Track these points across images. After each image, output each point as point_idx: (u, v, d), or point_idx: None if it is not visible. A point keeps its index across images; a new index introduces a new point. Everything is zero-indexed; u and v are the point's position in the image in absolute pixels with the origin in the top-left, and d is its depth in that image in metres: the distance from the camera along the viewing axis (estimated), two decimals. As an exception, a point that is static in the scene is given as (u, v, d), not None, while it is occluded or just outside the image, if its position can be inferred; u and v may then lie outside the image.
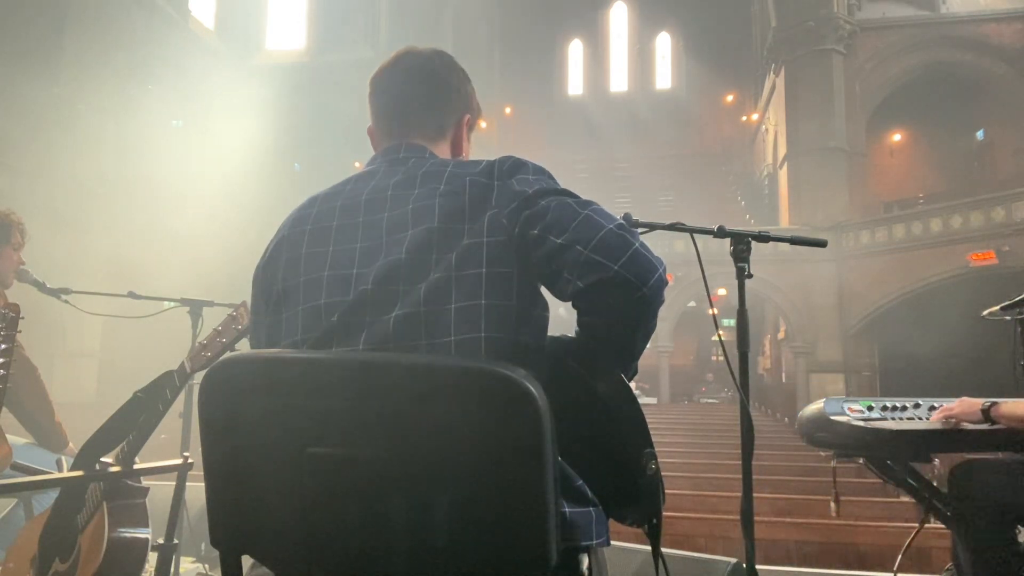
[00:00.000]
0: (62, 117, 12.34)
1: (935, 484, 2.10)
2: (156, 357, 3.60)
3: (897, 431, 1.94)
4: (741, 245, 1.88)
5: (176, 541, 2.15)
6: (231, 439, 0.94)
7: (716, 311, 2.89)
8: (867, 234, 17.49)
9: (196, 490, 1.77)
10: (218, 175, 15.76)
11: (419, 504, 0.83)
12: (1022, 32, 18.43)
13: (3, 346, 1.68)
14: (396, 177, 1.12)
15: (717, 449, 10.76)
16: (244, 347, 1.48)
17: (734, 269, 1.89)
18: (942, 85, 19.20)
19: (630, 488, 1.01)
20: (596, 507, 0.96)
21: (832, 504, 2.36)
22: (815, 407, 2.11)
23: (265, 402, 0.92)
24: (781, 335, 20.08)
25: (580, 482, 0.97)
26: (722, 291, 17.05)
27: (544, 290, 1.05)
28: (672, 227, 1.94)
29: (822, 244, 2.06)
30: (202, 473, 0.98)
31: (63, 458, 2.43)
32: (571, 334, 1.10)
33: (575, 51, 33.74)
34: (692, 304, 19.81)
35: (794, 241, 2.07)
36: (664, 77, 32.96)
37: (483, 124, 1.37)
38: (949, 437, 1.93)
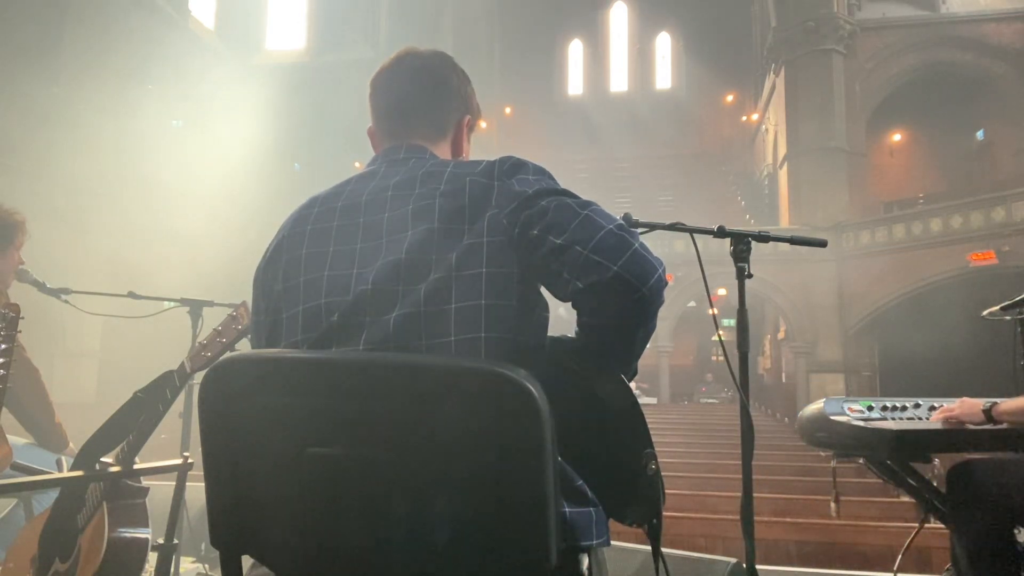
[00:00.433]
0: (62, 117, 12.33)
1: (935, 484, 2.10)
2: (156, 357, 3.60)
3: (897, 431, 1.94)
4: (741, 245, 1.88)
5: (176, 541, 2.15)
6: (231, 439, 0.94)
7: (716, 311, 2.89)
8: (867, 234, 17.50)
9: (196, 490, 1.77)
10: (218, 175, 15.75)
11: (419, 504, 0.83)
12: (1022, 32, 18.44)
13: (3, 346, 1.68)
14: (396, 177, 1.12)
15: (717, 449, 10.76)
16: (244, 347, 1.48)
17: (734, 269, 1.89)
18: (942, 85, 19.21)
19: (630, 488, 1.01)
20: (596, 507, 0.96)
21: (832, 504, 2.36)
22: (815, 407, 2.11)
23: (265, 402, 0.92)
24: (781, 335, 20.08)
25: (580, 482, 0.97)
26: (722, 291, 17.04)
27: (544, 290, 1.06)
28: (672, 227, 1.94)
29: (822, 244, 2.06)
30: (202, 473, 0.98)
31: (63, 458, 2.43)
32: (571, 334, 1.10)
33: (575, 51, 33.74)
34: (692, 304, 19.81)
35: (794, 241, 2.07)
36: (664, 77, 32.96)
37: (483, 124, 1.37)
38: (949, 437, 1.93)
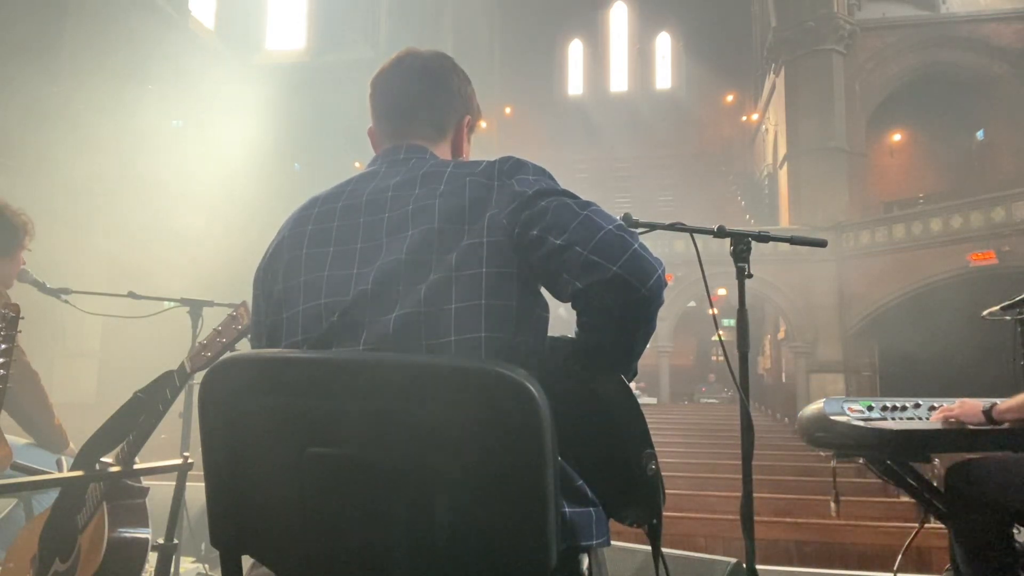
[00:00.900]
0: (62, 117, 12.33)
1: (935, 484, 2.10)
2: (156, 357, 3.59)
3: (897, 431, 1.94)
4: (741, 245, 1.88)
5: (176, 541, 2.15)
6: (231, 439, 0.95)
7: (716, 311, 2.89)
8: (867, 234, 17.49)
9: (196, 490, 1.76)
10: (218, 175, 15.75)
11: (419, 504, 0.83)
12: (1022, 32, 18.43)
13: (3, 346, 1.68)
14: (396, 178, 1.12)
15: (717, 449, 10.76)
16: (244, 347, 1.48)
17: (734, 269, 1.89)
18: (942, 85, 19.21)
19: (630, 488, 1.01)
20: (596, 507, 0.96)
21: (832, 504, 2.35)
22: (815, 407, 2.11)
23: (265, 402, 0.92)
24: (781, 335, 20.08)
25: (580, 482, 0.97)
26: (722, 291, 17.04)
27: (544, 290, 1.06)
28: (672, 227, 1.94)
29: (822, 244, 2.06)
30: (202, 473, 0.98)
31: (63, 458, 2.43)
32: (571, 334, 1.10)
33: (575, 51, 33.74)
34: (692, 304, 19.81)
35: (794, 241, 2.07)
36: (664, 77, 32.96)
37: (483, 124, 1.38)
38: (949, 437, 1.93)
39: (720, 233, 1.91)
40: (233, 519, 0.96)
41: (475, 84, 1.34)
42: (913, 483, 2.10)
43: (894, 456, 2.06)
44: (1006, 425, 1.85)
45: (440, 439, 0.83)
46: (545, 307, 1.07)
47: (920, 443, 1.96)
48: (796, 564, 4.72)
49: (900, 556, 2.34)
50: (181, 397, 2.21)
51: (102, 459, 1.90)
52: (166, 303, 2.94)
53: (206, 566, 3.49)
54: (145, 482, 2.06)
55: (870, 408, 2.02)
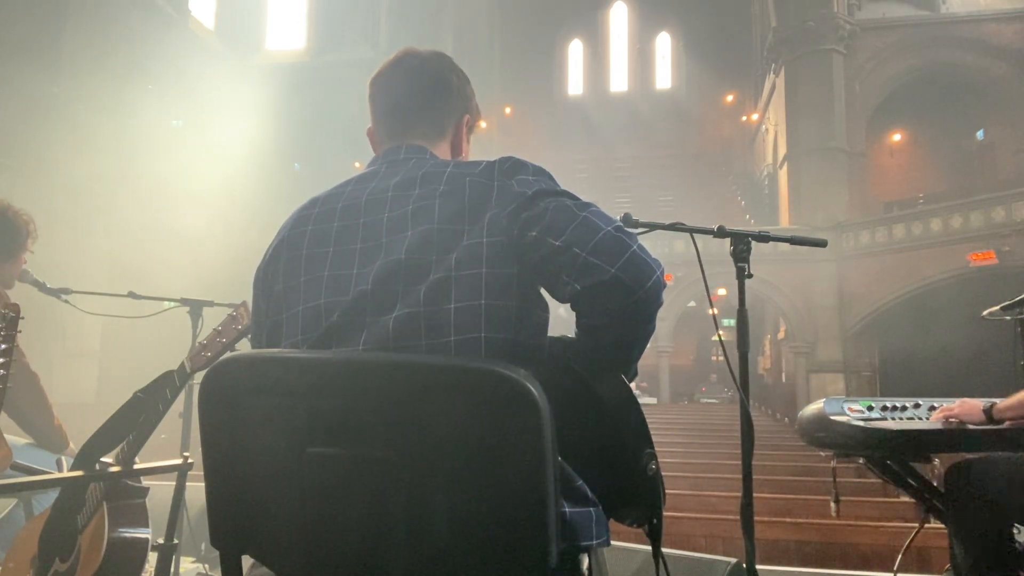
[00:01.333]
0: (62, 117, 12.33)
1: (935, 484, 2.10)
2: (156, 357, 3.59)
3: (897, 431, 1.94)
4: (741, 245, 1.88)
5: (176, 541, 2.15)
6: (231, 439, 0.95)
7: (716, 311, 2.89)
8: (867, 234, 17.49)
9: (196, 490, 1.76)
10: (218, 175, 15.76)
11: (419, 504, 0.83)
12: (1022, 32, 18.44)
13: (3, 346, 1.68)
14: (396, 178, 1.12)
15: (717, 449, 10.76)
16: (244, 347, 1.48)
17: (734, 269, 1.89)
18: (942, 85, 19.21)
19: (631, 488, 1.01)
20: (596, 507, 0.96)
21: (832, 504, 2.35)
22: (815, 407, 2.11)
23: (265, 402, 0.92)
24: (781, 335, 20.08)
25: (580, 482, 0.97)
26: (722, 291, 17.04)
27: (544, 291, 1.06)
28: (672, 227, 1.94)
29: (822, 244, 2.06)
30: (202, 473, 0.98)
31: (63, 458, 2.43)
32: (571, 334, 1.10)
33: (575, 51, 33.74)
34: (692, 304, 19.81)
35: (794, 241, 2.07)
36: (664, 77, 32.97)
37: (483, 124, 1.38)
38: (949, 437, 1.93)
39: (720, 233, 1.91)
40: (233, 519, 0.96)
41: (475, 84, 1.34)
42: (913, 483, 2.10)
43: (894, 456, 2.06)
44: (1006, 425, 1.85)
45: (440, 439, 0.83)
46: (545, 308, 1.07)
47: (920, 443, 1.96)
48: (796, 564, 4.71)
49: (900, 556, 2.34)
50: (181, 397, 2.20)
51: (102, 459, 1.90)
52: (166, 303, 2.94)
53: (206, 566, 3.49)
54: (145, 482, 2.05)
55: (870, 408, 2.02)
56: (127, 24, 14.64)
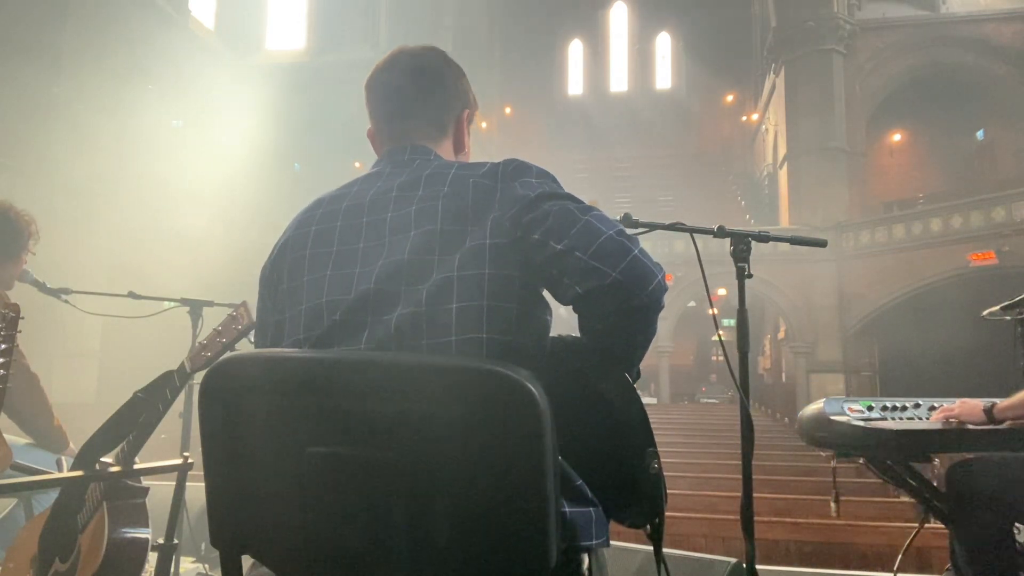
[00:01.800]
0: (62, 117, 12.33)
1: (935, 484, 2.10)
2: (156, 357, 3.59)
3: (897, 431, 1.94)
4: (741, 245, 1.88)
5: (176, 541, 2.15)
6: (231, 439, 0.95)
7: (716, 311, 2.89)
8: (867, 234, 17.50)
9: (196, 490, 1.76)
10: (218, 175, 15.76)
11: (419, 504, 0.83)
12: (1022, 32, 18.43)
13: (3, 346, 1.68)
14: (401, 178, 1.12)
15: (717, 449, 10.76)
16: (244, 347, 1.48)
17: (734, 269, 1.89)
18: (942, 85, 19.21)
19: (633, 486, 1.01)
20: (596, 507, 0.96)
21: (832, 504, 2.36)
22: (815, 407, 2.11)
23: (265, 401, 0.92)
24: (781, 335, 20.08)
25: (580, 482, 0.97)
26: (722, 291, 17.04)
27: (546, 293, 1.06)
28: (672, 227, 1.94)
29: (822, 244, 2.06)
30: (202, 473, 0.98)
31: (63, 458, 2.43)
32: (572, 334, 1.11)
33: (575, 51, 33.73)
34: (692, 304, 19.81)
35: (794, 241, 2.07)
36: (664, 77, 32.96)
37: (483, 124, 1.38)
38: (949, 437, 1.93)
39: (720, 233, 1.91)
40: (233, 519, 0.96)
41: (475, 84, 1.34)
42: (913, 483, 2.10)
43: (894, 456, 2.06)
44: (1006, 425, 1.85)
45: (441, 439, 0.83)
46: (546, 310, 1.07)
47: (920, 443, 1.96)
48: (796, 564, 4.72)
49: (900, 556, 2.34)
50: (181, 397, 2.20)
51: (102, 459, 1.90)
52: (166, 303, 2.94)
53: (206, 566, 3.49)
54: (145, 482, 2.05)
55: (870, 408, 2.02)
56: (127, 24, 14.64)
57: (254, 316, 1.47)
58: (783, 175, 20.14)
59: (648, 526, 1.03)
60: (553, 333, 1.10)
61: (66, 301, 2.72)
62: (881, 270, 16.84)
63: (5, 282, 2.45)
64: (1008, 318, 2.18)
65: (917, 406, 2.03)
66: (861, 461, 2.16)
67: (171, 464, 2.01)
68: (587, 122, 31.41)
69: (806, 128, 18.79)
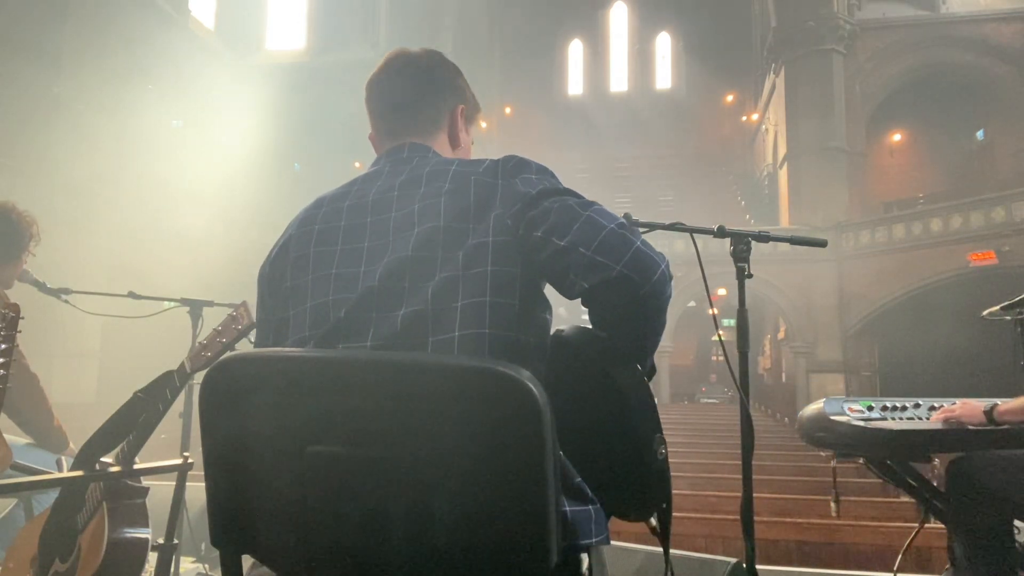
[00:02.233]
0: (62, 117, 12.34)
1: (935, 484, 2.10)
2: (156, 357, 3.59)
3: (897, 431, 1.94)
4: (741, 245, 1.89)
5: (176, 541, 2.15)
6: (232, 438, 0.94)
7: (716, 311, 2.89)
8: (867, 234, 17.49)
9: (196, 490, 1.76)
10: (218, 175, 15.76)
11: (419, 503, 0.83)
12: (1022, 32, 18.43)
13: (3, 346, 1.68)
14: (402, 177, 1.13)
15: (717, 449, 10.76)
16: (244, 347, 1.48)
17: (734, 269, 1.89)
18: (942, 85, 19.21)
19: (641, 472, 1.01)
20: (595, 505, 0.97)
21: (832, 504, 2.36)
22: (815, 407, 2.11)
23: (265, 401, 0.92)
24: (781, 335, 20.08)
25: (579, 480, 0.97)
26: (722, 291, 17.05)
27: (552, 289, 1.07)
28: (672, 227, 1.95)
29: (822, 244, 2.06)
30: (202, 473, 0.99)
31: (63, 458, 2.43)
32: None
33: (575, 51, 33.72)
34: (692, 304, 19.81)
35: (794, 241, 2.07)
36: (664, 77, 32.94)
37: (483, 124, 1.38)
38: (949, 437, 1.94)
39: (720, 233, 1.91)
40: (233, 519, 0.96)
41: (475, 84, 1.35)
42: (913, 483, 2.10)
43: (894, 456, 2.06)
44: (1005, 426, 1.85)
45: (441, 438, 0.83)
46: (547, 308, 1.08)
47: (920, 443, 1.96)
48: (796, 564, 4.71)
49: (900, 556, 2.34)
50: (181, 397, 2.21)
51: (102, 459, 1.90)
52: (166, 303, 2.94)
53: (206, 566, 3.49)
54: (145, 482, 2.05)
55: (870, 408, 2.02)
56: (127, 24, 14.64)
57: (254, 316, 1.48)
58: (783, 175, 20.13)
59: (654, 518, 1.04)
60: (559, 326, 1.11)
61: (66, 301, 2.73)
62: (881, 270, 16.84)
63: (5, 282, 2.45)
64: (1008, 318, 2.18)
65: (917, 406, 2.03)
66: (861, 461, 2.16)
67: (171, 464, 2.01)
68: (587, 122, 31.40)
69: (806, 128, 18.79)
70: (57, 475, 2.16)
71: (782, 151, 20.14)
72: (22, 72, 11.87)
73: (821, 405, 2.09)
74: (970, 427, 1.90)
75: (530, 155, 1.14)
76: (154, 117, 14.98)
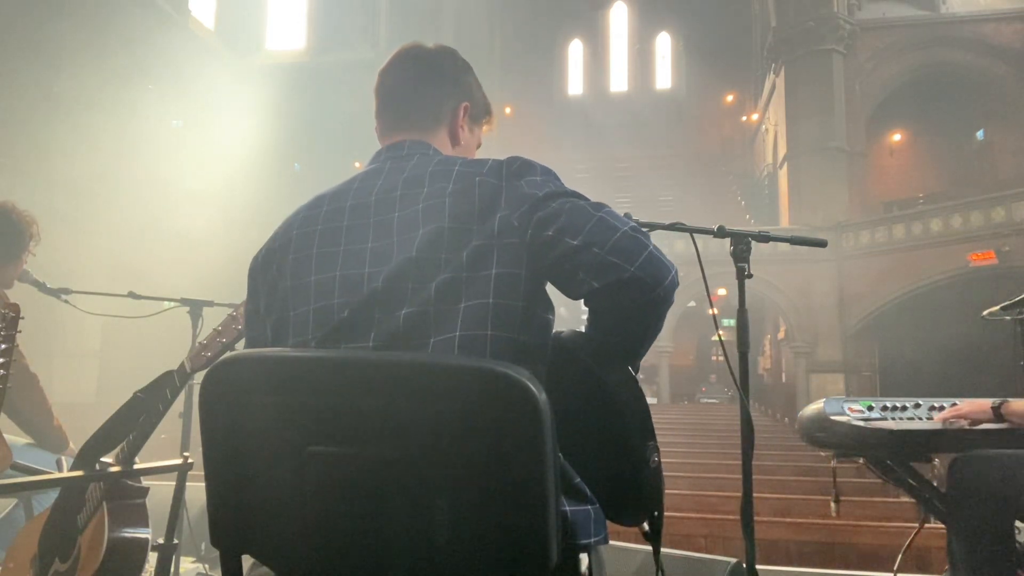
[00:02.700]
0: (62, 117, 12.33)
1: (935, 484, 2.10)
2: (156, 357, 3.59)
3: (897, 431, 1.94)
4: (741, 245, 1.89)
5: (176, 541, 2.15)
6: (232, 438, 0.94)
7: (716, 311, 2.90)
8: (867, 234, 17.49)
9: (196, 490, 1.76)
10: (218, 175, 15.74)
11: (420, 503, 0.83)
12: (1022, 32, 18.43)
13: (3, 346, 1.68)
14: (404, 175, 1.12)
15: (717, 449, 10.75)
16: (243, 347, 1.48)
17: (734, 269, 1.89)
18: (942, 85, 19.20)
19: (633, 479, 1.02)
20: (594, 505, 0.97)
21: (832, 504, 2.36)
22: (815, 407, 2.11)
23: (266, 401, 0.92)
24: (781, 335, 20.08)
25: (578, 480, 0.97)
26: (722, 291, 17.06)
27: (556, 289, 1.07)
28: (672, 227, 1.94)
29: (822, 244, 2.06)
30: (202, 473, 0.98)
31: (63, 458, 2.43)
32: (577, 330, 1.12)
33: (575, 51, 33.73)
34: (692, 304, 19.81)
35: (794, 241, 2.07)
36: (664, 77, 32.95)
37: (487, 129, 1.36)
38: (949, 437, 1.94)
39: (720, 233, 1.91)
40: (233, 519, 0.96)
41: (474, 84, 1.33)
42: (913, 483, 2.10)
43: (894, 456, 2.06)
44: (1006, 425, 1.85)
45: (442, 438, 0.83)
46: (549, 309, 1.08)
47: (920, 443, 1.97)
48: (796, 564, 4.71)
49: (900, 556, 2.34)
50: (181, 397, 2.20)
51: (102, 459, 1.90)
52: (166, 303, 2.94)
53: (206, 566, 3.49)
54: (145, 482, 2.05)
55: (870, 408, 2.02)
56: (127, 24, 14.63)
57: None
58: (783, 175, 20.13)
59: (646, 523, 1.04)
60: (560, 328, 1.11)
61: (66, 301, 2.72)
62: (881, 270, 16.83)
63: (5, 282, 2.45)
64: (1008, 318, 2.18)
65: (917, 406, 2.03)
66: (861, 461, 2.16)
67: (171, 464, 2.01)
68: (587, 122, 31.40)
69: (806, 128, 18.79)
70: (57, 475, 2.16)
71: (782, 151, 20.14)
72: (22, 72, 11.86)
73: (821, 405, 2.09)
74: (971, 427, 1.90)
75: (530, 155, 1.13)
76: (154, 117, 14.97)
